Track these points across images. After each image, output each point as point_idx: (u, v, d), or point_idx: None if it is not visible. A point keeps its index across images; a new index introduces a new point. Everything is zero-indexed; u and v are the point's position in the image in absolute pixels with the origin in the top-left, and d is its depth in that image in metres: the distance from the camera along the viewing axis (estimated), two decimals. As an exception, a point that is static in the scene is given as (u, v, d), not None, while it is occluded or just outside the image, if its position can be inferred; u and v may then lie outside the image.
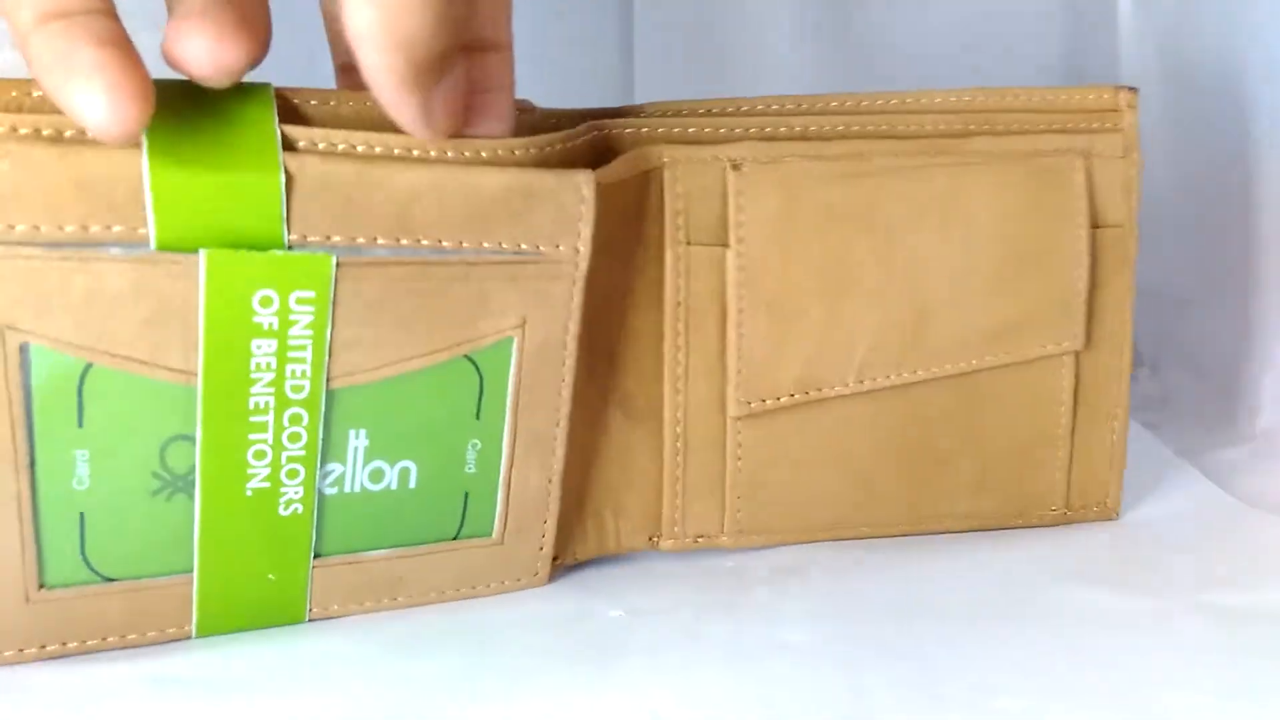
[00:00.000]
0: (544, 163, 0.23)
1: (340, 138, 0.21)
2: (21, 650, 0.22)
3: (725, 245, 0.26)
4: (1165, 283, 0.29)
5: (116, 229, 0.20)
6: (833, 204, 0.26)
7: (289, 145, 0.21)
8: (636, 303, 0.27)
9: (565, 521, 0.27)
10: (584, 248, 0.23)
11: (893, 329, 0.27)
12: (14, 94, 0.20)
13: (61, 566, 0.22)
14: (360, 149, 0.21)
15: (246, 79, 0.21)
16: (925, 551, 0.29)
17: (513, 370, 0.24)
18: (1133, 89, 0.28)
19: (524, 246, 0.23)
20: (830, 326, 0.27)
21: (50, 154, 0.19)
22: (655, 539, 0.29)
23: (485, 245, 0.22)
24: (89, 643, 0.22)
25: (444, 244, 0.22)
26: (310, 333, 0.21)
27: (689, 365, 0.27)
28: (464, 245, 0.22)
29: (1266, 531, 0.30)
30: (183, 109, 0.20)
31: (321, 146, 0.21)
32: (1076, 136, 0.28)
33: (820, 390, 0.27)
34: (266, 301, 0.21)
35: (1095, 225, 0.28)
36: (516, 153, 0.23)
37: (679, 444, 0.28)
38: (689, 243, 0.26)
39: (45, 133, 0.20)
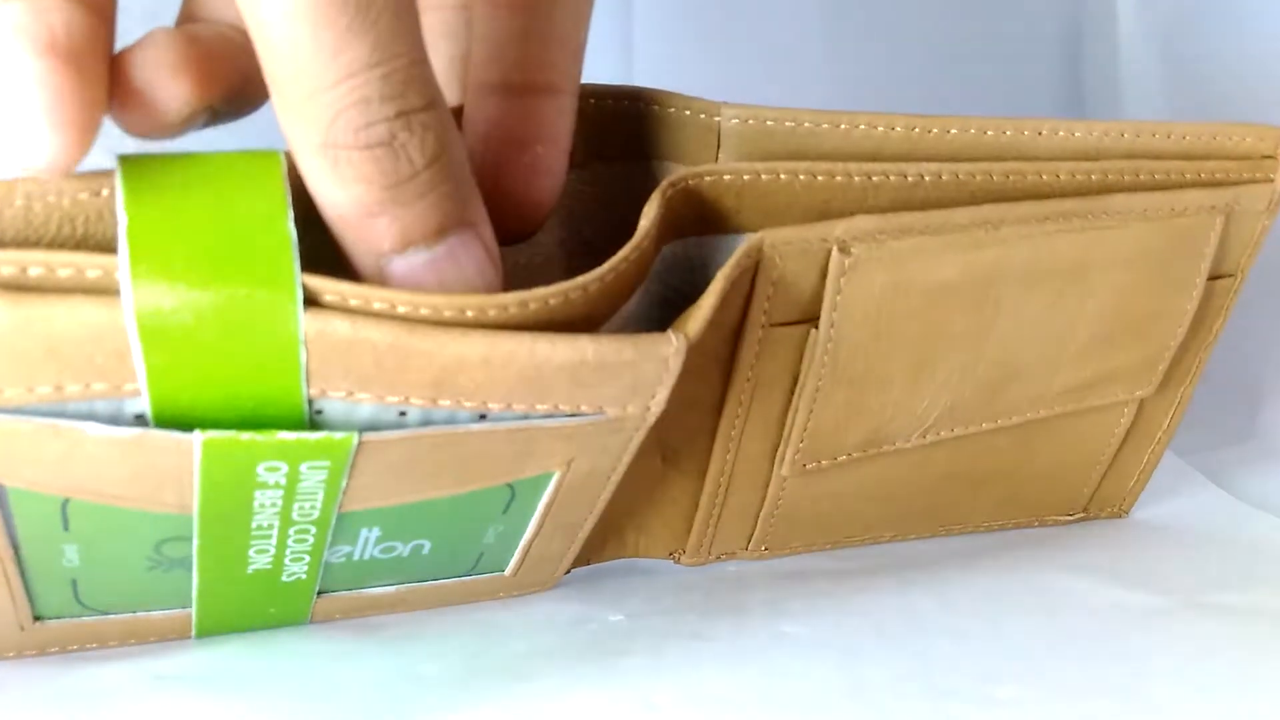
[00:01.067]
0: (622, 279, 0.18)
1: (379, 296, 0.16)
2: (20, 653, 0.21)
3: (812, 323, 0.22)
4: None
5: (98, 387, 0.16)
6: (945, 281, 0.22)
7: (312, 299, 0.16)
8: (697, 375, 0.23)
9: (585, 540, 0.25)
10: (656, 408, 0.19)
11: (973, 392, 0.25)
12: None
13: (56, 607, 0.20)
14: (402, 309, 0.16)
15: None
16: (929, 548, 0.29)
17: (548, 492, 0.21)
18: (1300, 134, 0.24)
19: (584, 409, 0.18)
20: (910, 397, 0.24)
21: (12, 318, 0.15)
22: (676, 555, 0.27)
23: (539, 409, 0.18)
24: (89, 646, 0.22)
25: (490, 406, 0.18)
26: (322, 487, 0.18)
27: (745, 428, 0.24)
28: (513, 408, 0.18)
29: (1266, 532, 0.31)
30: (174, 226, 0.15)
31: (354, 304, 0.16)
32: (1223, 191, 0.23)
33: (882, 448, 0.25)
34: (273, 469, 0.17)
35: (1211, 278, 0.25)
36: (591, 289, 0.18)
37: (720, 491, 0.25)
38: (770, 324, 0.22)
39: (6, 271, 0.15)
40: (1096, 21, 0.41)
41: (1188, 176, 0.23)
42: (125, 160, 0.16)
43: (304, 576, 0.21)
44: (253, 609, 0.22)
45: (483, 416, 0.18)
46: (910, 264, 0.21)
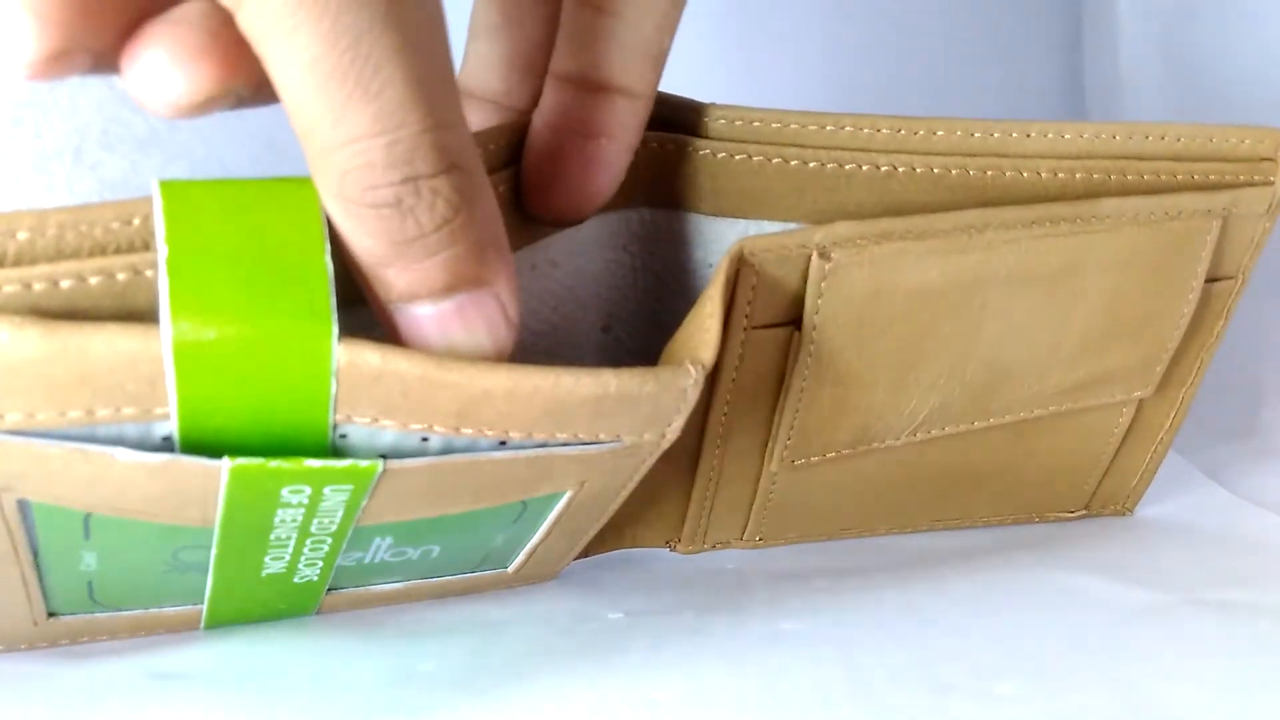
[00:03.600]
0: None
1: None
2: (32, 645, 0.21)
3: (794, 326, 0.22)
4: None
5: (128, 411, 0.16)
6: (928, 285, 0.22)
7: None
8: None
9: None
10: (672, 435, 0.19)
11: (962, 391, 0.25)
12: None
13: (70, 604, 0.21)
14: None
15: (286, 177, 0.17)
16: (930, 545, 0.29)
17: (559, 507, 0.21)
18: (1298, 135, 0.23)
19: (603, 437, 0.19)
20: (896, 396, 0.24)
21: (47, 345, 0.15)
22: (673, 544, 0.28)
23: (559, 436, 0.18)
24: (100, 638, 0.22)
25: (511, 435, 0.18)
26: (343, 507, 0.18)
27: (733, 425, 0.24)
28: (534, 436, 0.18)
29: (1266, 529, 0.30)
30: (213, 257, 0.16)
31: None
32: (1219, 194, 0.23)
33: (871, 445, 0.25)
34: (296, 490, 0.17)
35: (1209, 280, 0.25)
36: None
37: (711, 484, 0.26)
38: (752, 327, 0.22)
39: (37, 288, 0.15)
40: (1096, 21, 0.41)
41: (1179, 178, 0.23)
42: (165, 186, 0.16)
43: (315, 579, 0.21)
44: (263, 606, 0.22)
45: (503, 444, 0.18)
46: (891, 269, 0.21)
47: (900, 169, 0.22)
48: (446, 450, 0.18)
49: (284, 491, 0.17)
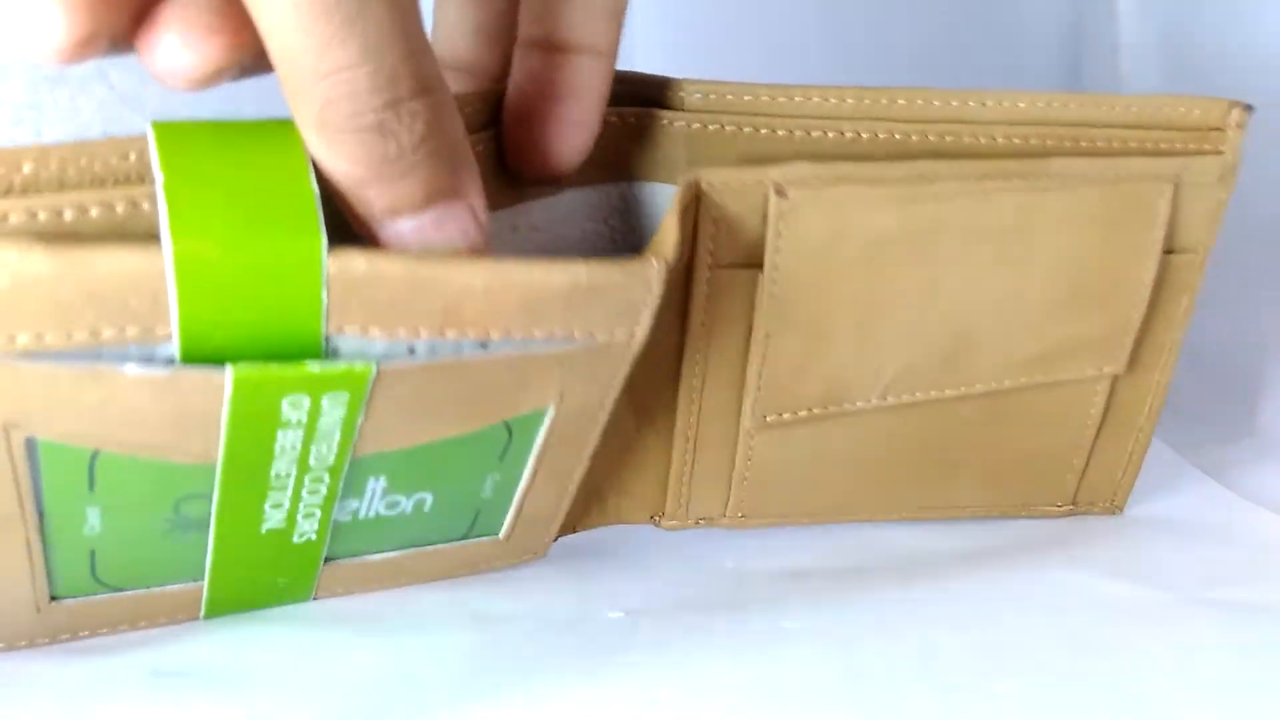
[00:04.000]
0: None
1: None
2: (33, 640, 0.22)
3: (758, 268, 0.24)
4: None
5: (131, 331, 0.17)
6: (883, 231, 0.23)
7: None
8: (656, 321, 0.24)
9: (571, 502, 0.26)
10: (641, 333, 0.21)
11: (928, 352, 0.26)
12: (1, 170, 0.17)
13: (72, 584, 0.21)
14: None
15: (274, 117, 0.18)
16: (929, 544, 0.29)
17: (543, 430, 0.22)
18: (1247, 106, 0.24)
19: (577, 335, 0.20)
20: (861, 350, 0.25)
21: (54, 264, 0.16)
22: (657, 518, 0.28)
23: (536, 335, 0.20)
24: (100, 630, 0.22)
25: (492, 335, 0.19)
26: (340, 424, 0.19)
27: (706, 378, 0.26)
28: (513, 335, 0.20)
29: (1266, 528, 0.30)
30: (207, 183, 0.17)
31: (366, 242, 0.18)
32: (1169, 161, 0.24)
33: (842, 406, 0.26)
34: (296, 404, 0.19)
35: (1167, 250, 0.26)
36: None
37: (689, 445, 0.27)
38: (718, 265, 0.24)
39: (42, 217, 0.17)
40: (1096, 20, 0.41)
41: (1131, 145, 0.24)
42: (158, 125, 0.17)
43: (314, 537, 0.22)
44: (263, 578, 0.23)
45: (484, 346, 0.19)
46: (848, 211, 0.23)
47: (864, 135, 0.24)
48: (433, 355, 0.19)
49: (284, 405, 0.18)
